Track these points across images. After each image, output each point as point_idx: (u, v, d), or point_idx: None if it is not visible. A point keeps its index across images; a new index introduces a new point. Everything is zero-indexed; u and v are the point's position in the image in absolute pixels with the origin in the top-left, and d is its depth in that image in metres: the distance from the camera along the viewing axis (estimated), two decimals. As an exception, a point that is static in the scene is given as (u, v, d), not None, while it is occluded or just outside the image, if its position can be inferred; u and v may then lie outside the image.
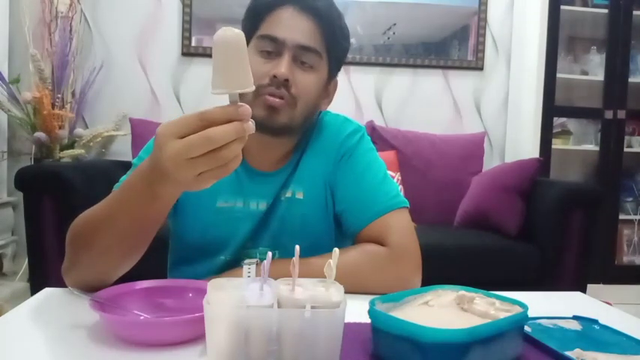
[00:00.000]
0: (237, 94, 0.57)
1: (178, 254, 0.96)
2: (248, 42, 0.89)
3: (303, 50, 0.85)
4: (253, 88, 0.58)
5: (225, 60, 0.56)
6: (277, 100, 0.83)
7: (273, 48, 0.85)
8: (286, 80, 0.83)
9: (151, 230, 0.72)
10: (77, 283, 0.74)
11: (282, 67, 0.83)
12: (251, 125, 0.56)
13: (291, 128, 0.88)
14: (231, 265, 0.90)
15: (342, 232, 0.95)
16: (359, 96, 2.82)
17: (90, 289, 0.70)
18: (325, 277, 0.54)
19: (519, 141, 2.74)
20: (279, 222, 0.92)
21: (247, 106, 0.56)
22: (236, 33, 0.56)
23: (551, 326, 0.67)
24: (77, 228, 0.75)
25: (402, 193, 0.92)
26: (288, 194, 0.92)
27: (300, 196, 0.92)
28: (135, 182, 0.67)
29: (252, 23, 0.89)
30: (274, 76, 0.83)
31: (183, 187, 0.62)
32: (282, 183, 0.93)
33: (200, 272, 0.90)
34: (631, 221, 2.81)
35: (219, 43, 0.56)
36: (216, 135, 0.54)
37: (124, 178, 0.86)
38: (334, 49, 0.90)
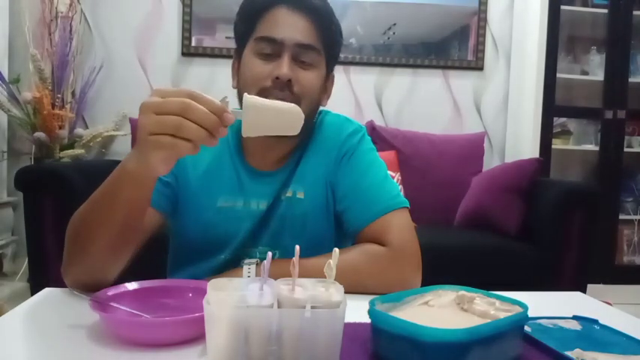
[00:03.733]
0: (239, 115, 0.62)
1: (179, 254, 0.96)
2: (244, 44, 0.90)
3: (303, 48, 0.86)
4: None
5: (274, 110, 0.64)
6: None
7: (272, 49, 0.85)
8: (289, 81, 0.83)
9: (133, 217, 0.72)
10: (75, 282, 0.74)
11: (284, 67, 0.83)
12: (222, 133, 0.61)
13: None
14: (232, 265, 0.90)
15: (342, 231, 0.95)
16: (359, 96, 2.82)
17: (88, 287, 0.70)
18: (325, 277, 0.54)
19: (519, 141, 2.74)
20: (280, 221, 0.92)
21: (231, 117, 0.60)
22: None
23: (551, 326, 0.67)
24: (70, 225, 0.75)
25: (402, 193, 0.92)
26: (289, 194, 0.92)
27: (300, 195, 0.93)
28: (115, 173, 0.69)
29: (246, 25, 0.89)
30: (276, 78, 0.83)
31: (140, 150, 0.63)
32: (283, 182, 0.93)
33: (200, 272, 0.90)
34: (631, 221, 2.81)
35: (292, 107, 0.65)
36: (191, 106, 0.58)
37: None
38: (330, 44, 0.91)
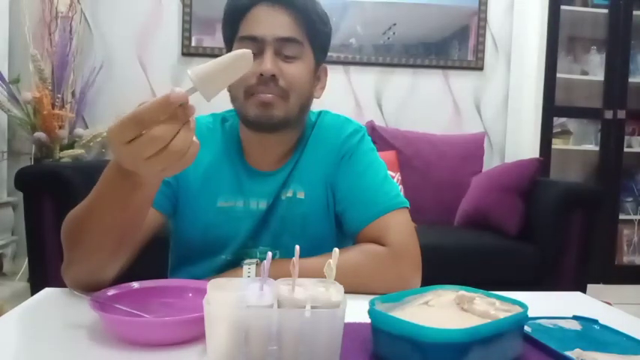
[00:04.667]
0: (194, 91, 0.56)
1: (179, 254, 0.96)
2: (230, 47, 0.90)
3: (284, 42, 0.86)
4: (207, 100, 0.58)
5: (222, 66, 0.57)
6: (269, 95, 0.84)
7: (255, 48, 0.84)
8: (273, 76, 0.84)
9: (137, 220, 0.72)
10: (74, 282, 0.74)
11: (267, 63, 0.83)
12: (191, 109, 0.55)
13: (288, 121, 0.88)
14: (232, 265, 0.90)
15: (343, 232, 0.95)
16: (359, 96, 2.82)
17: (87, 287, 0.70)
18: (325, 277, 0.54)
19: (519, 141, 2.74)
20: (280, 222, 0.92)
21: (177, 93, 0.53)
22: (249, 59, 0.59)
23: (551, 326, 0.67)
24: (66, 227, 0.75)
25: (402, 194, 0.92)
26: (289, 194, 0.93)
27: (301, 195, 0.93)
28: (114, 175, 0.65)
29: (230, 28, 0.89)
30: (260, 74, 0.83)
31: (156, 179, 0.63)
32: (282, 182, 0.93)
33: (201, 272, 0.90)
34: (631, 221, 2.81)
35: (238, 54, 0.58)
36: (160, 133, 0.53)
37: None
38: (315, 35, 0.90)
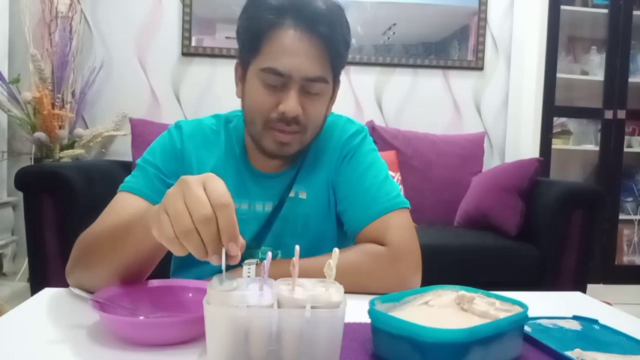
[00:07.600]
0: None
1: (182, 256, 0.96)
2: (248, 60, 0.85)
3: (310, 81, 0.82)
4: None
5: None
6: (288, 136, 0.83)
7: (279, 82, 0.81)
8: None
9: (146, 263, 0.72)
10: (78, 285, 0.75)
11: (291, 103, 0.81)
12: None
13: (302, 150, 0.89)
14: (234, 266, 0.90)
15: (344, 231, 0.95)
16: (359, 96, 2.82)
17: (90, 291, 0.70)
18: (325, 277, 0.54)
19: (519, 141, 2.74)
20: (282, 222, 0.92)
21: (238, 247, 0.58)
22: None
23: (551, 326, 0.67)
24: (81, 247, 0.76)
25: (402, 194, 0.92)
26: (292, 194, 0.93)
27: (303, 196, 0.93)
28: (145, 223, 0.64)
29: (250, 45, 0.84)
30: (283, 112, 0.81)
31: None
32: (288, 185, 0.93)
33: (204, 274, 0.90)
34: (631, 221, 2.80)
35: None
36: (196, 243, 0.57)
37: (129, 178, 0.86)
38: (339, 63, 0.87)
